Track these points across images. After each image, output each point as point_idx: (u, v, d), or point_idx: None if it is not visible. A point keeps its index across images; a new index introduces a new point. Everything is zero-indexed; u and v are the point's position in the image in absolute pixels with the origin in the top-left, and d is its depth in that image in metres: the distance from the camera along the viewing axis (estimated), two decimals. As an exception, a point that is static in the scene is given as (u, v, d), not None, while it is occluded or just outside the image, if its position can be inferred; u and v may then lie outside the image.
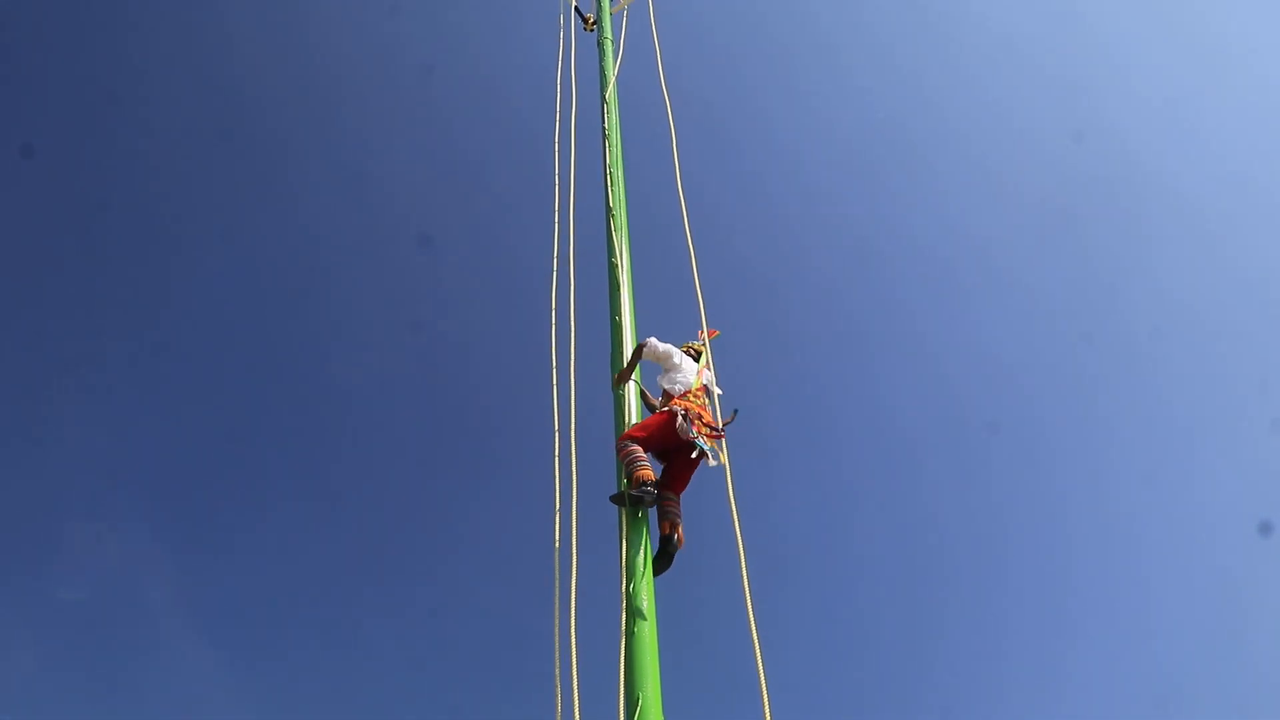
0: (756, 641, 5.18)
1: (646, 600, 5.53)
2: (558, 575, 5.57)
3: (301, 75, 22.45)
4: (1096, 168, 22.61)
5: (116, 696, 16.73)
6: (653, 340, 6.52)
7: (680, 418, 5.86)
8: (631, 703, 5.04)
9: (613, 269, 7.27)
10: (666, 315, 7.60)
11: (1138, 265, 22.42)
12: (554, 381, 6.60)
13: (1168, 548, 19.81)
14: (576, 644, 5.26)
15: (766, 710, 4.88)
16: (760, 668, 5.08)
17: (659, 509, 5.87)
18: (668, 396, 6.27)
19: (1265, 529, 18.02)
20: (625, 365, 6.54)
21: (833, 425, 21.55)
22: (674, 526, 5.86)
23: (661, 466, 6.08)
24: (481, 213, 22.08)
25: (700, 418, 5.94)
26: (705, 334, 6.77)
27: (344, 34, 22.62)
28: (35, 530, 18.02)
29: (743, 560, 5.50)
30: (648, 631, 5.40)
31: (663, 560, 5.75)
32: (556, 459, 6.14)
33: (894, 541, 19.97)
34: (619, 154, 8.18)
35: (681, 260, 7.36)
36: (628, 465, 5.78)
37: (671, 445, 5.97)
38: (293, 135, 22.25)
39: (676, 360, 6.42)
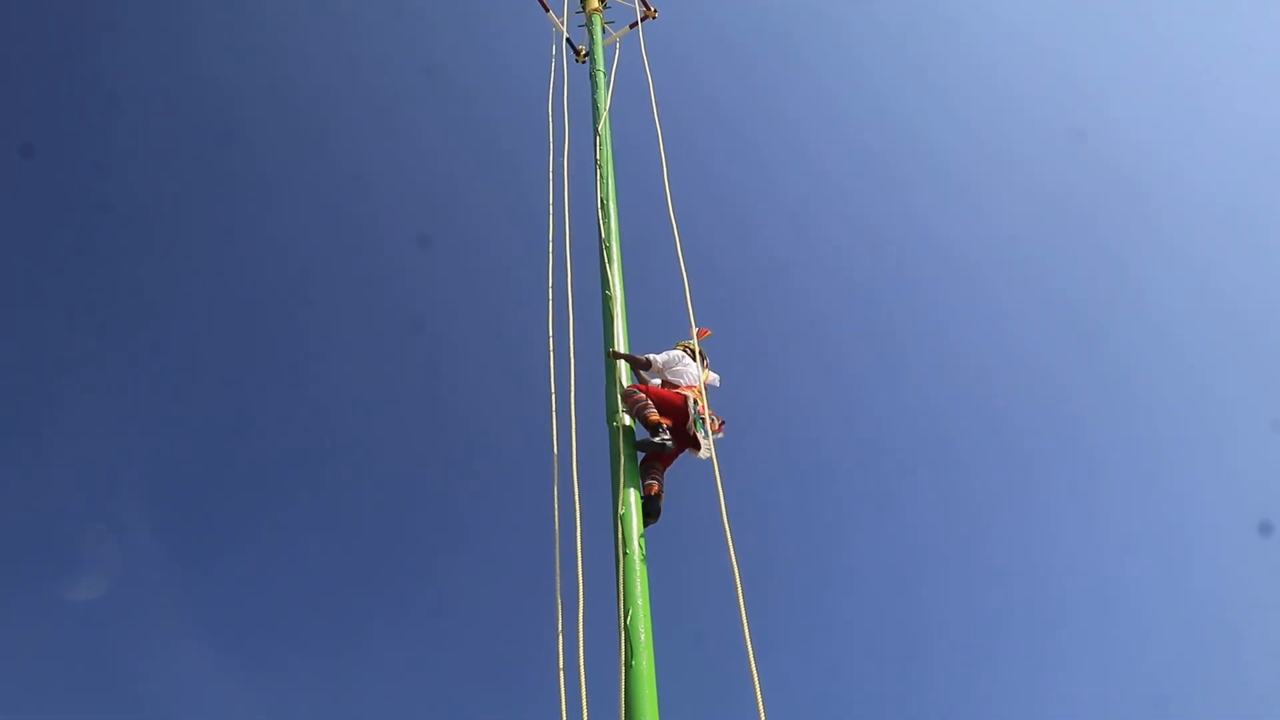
0: (751, 656, 5.34)
1: (644, 633, 5.63)
2: (560, 612, 5.70)
3: (301, 101, 22.64)
4: (1098, 166, 22.75)
5: (120, 697, 17.02)
6: (653, 357, 7.05)
7: (692, 405, 6.53)
8: None
9: (606, 301, 7.37)
10: (661, 344, 7.76)
11: (1138, 265, 22.54)
12: (553, 410, 6.70)
13: (1168, 548, 19.96)
14: (585, 680, 5.38)
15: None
16: (756, 684, 5.23)
17: (644, 464, 6.46)
18: (674, 386, 6.84)
19: (1265, 529, 18.15)
20: (630, 358, 7.03)
21: (829, 429, 21.71)
22: (658, 488, 6.42)
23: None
24: (478, 247, 22.23)
25: (697, 407, 6.58)
26: (696, 332, 7.22)
27: (341, 65, 22.75)
28: (42, 533, 18.25)
29: (737, 578, 5.66)
30: (646, 664, 5.49)
31: (650, 516, 6.28)
32: (556, 491, 6.25)
33: (896, 550, 20.17)
34: (611, 185, 8.26)
35: (675, 286, 7.55)
36: (637, 411, 6.41)
37: (676, 423, 6.53)
38: (292, 141, 22.42)
39: (680, 362, 7.03)
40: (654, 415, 6.37)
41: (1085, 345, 22.25)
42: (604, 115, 8.75)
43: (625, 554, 6.00)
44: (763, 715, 5.09)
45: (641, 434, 6.62)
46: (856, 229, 23.18)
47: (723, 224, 21.70)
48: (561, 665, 5.51)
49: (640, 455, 6.47)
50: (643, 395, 6.53)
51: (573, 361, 6.92)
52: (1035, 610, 19.06)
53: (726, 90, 23.49)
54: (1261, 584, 18.12)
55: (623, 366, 7.10)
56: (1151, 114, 23.30)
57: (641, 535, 6.17)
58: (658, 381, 7.05)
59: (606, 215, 8.01)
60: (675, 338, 7.51)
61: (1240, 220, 22.03)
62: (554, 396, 6.81)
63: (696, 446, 6.56)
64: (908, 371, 22.24)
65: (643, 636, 5.62)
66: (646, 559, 6.07)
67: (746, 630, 5.50)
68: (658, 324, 8.05)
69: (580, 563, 5.89)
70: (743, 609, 5.55)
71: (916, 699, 17.84)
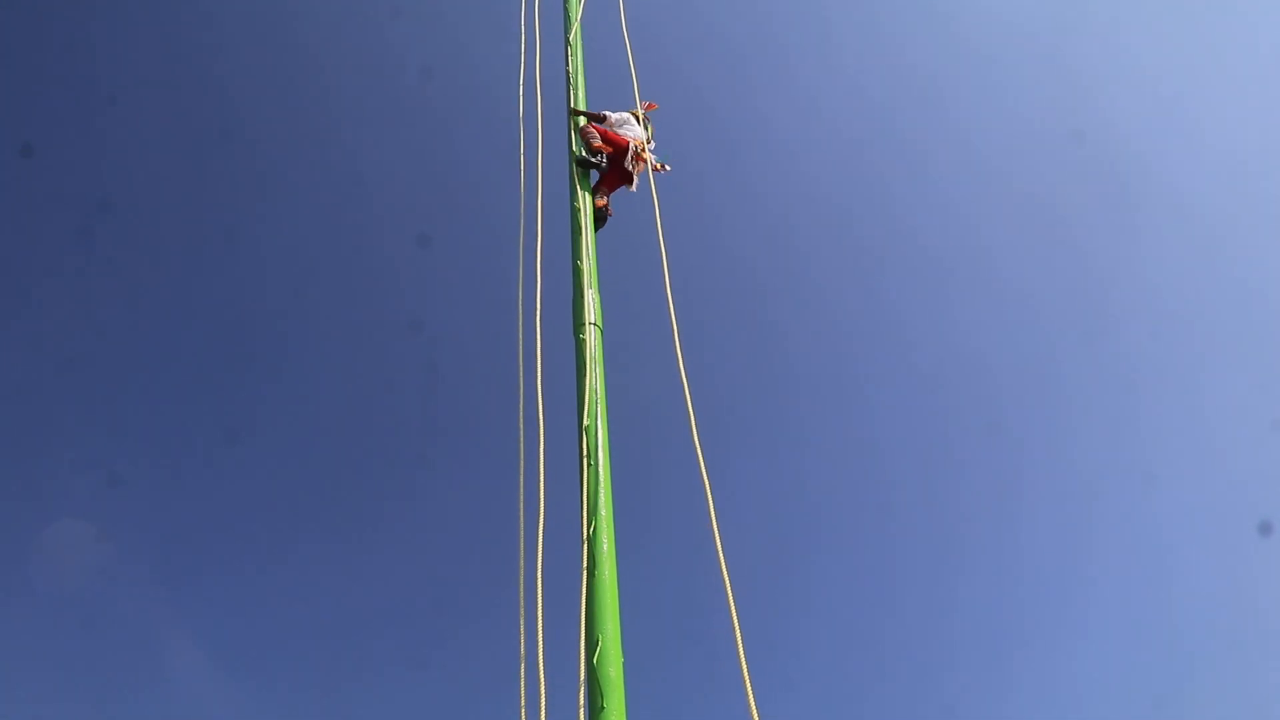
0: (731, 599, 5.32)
1: (607, 544, 5.71)
2: (522, 523, 5.76)
3: (280, 52, 22.76)
4: (1096, 166, 23.01)
5: (106, 693, 17.54)
6: (609, 114, 8.49)
7: (632, 151, 8.14)
8: (592, 644, 5.20)
9: (575, 213, 7.45)
10: (630, 261, 7.81)
11: (1137, 265, 22.80)
12: (519, 326, 6.75)
13: (1167, 548, 20.13)
14: (542, 588, 5.44)
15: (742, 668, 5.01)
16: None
17: (595, 185, 7.99)
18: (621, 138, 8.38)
19: (1265, 529, 18.33)
20: (587, 113, 8.44)
21: (823, 424, 21.75)
22: (605, 204, 7.97)
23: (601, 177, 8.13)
24: (442, 164, 22.44)
25: (640, 155, 8.22)
26: (641, 104, 8.70)
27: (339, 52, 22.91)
28: (20, 527, 18.62)
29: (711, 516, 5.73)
30: (608, 574, 5.58)
31: (598, 223, 7.61)
32: (521, 408, 6.33)
33: (881, 550, 20.22)
34: (582, 98, 8.37)
35: (645, 205, 7.70)
36: (586, 140, 8.04)
37: (615, 156, 8.11)
38: (284, 129, 22.57)
39: (628, 123, 8.45)
40: (596, 144, 8.00)
41: (1083, 343, 22.49)
42: (575, 25, 8.79)
43: (589, 465, 6.06)
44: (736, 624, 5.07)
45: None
46: (848, 181, 23.39)
47: (696, 137, 21.81)
48: (521, 572, 5.56)
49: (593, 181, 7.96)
50: (594, 131, 8.13)
51: (539, 273, 6.93)
52: (1031, 611, 19.23)
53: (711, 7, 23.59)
54: (1261, 584, 18.31)
55: (589, 280, 7.12)
56: (1150, 110, 23.65)
57: (607, 447, 6.23)
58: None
59: (578, 128, 8.12)
60: (642, 259, 7.75)
61: (1241, 217, 22.36)
62: (520, 314, 6.80)
63: (631, 182, 8.15)
64: (899, 364, 22.35)
65: (605, 547, 5.70)
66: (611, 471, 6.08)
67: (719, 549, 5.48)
68: (625, 240, 8.18)
69: (542, 477, 5.95)
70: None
71: (910, 701, 17.85)
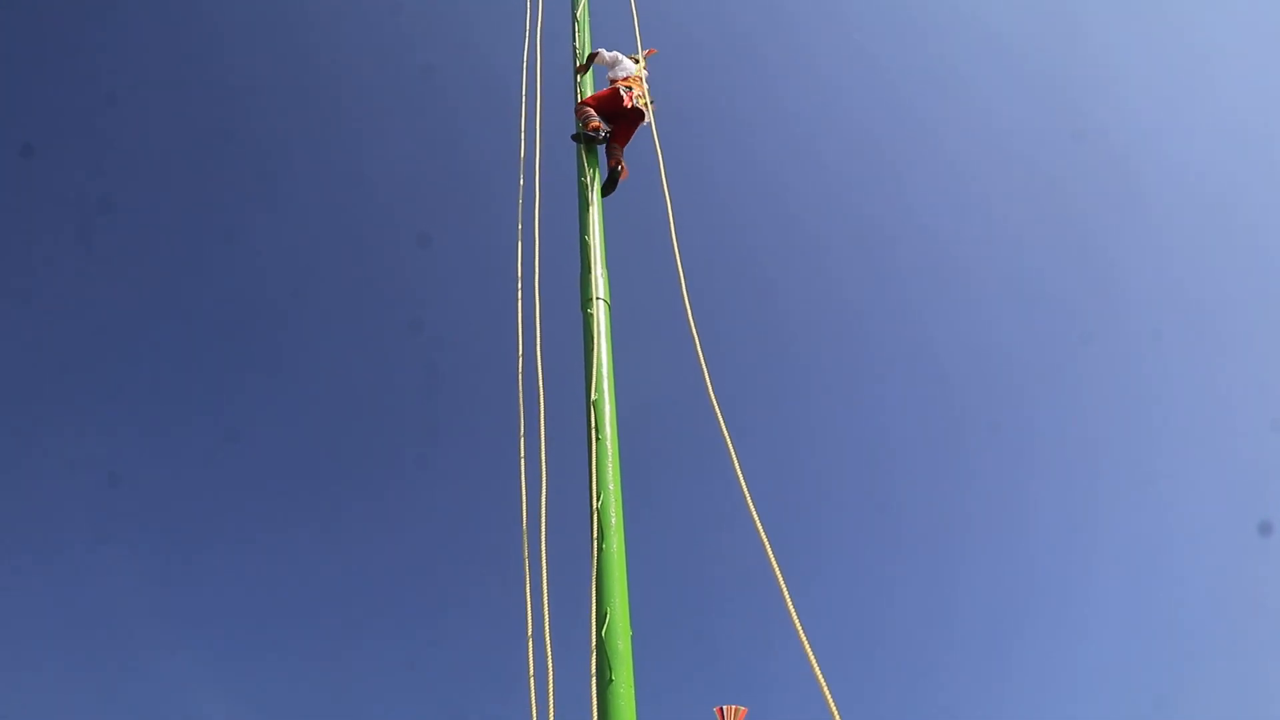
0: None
1: (615, 517, 5.75)
2: (524, 500, 5.80)
3: (279, 49, 22.78)
4: (1093, 161, 23.04)
5: (105, 693, 17.32)
6: (603, 50, 8.63)
7: (620, 90, 8.15)
8: (600, 616, 5.21)
9: (582, 188, 7.47)
10: (637, 234, 7.78)
11: (1136, 265, 22.81)
12: (519, 301, 6.80)
13: (1167, 548, 20.11)
14: (547, 564, 5.50)
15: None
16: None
17: (608, 149, 7.99)
18: (613, 82, 8.41)
19: (1265, 529, 18.36)
20: (582, 64, 8.61)
21: (821, 422, 21.74)
22: (618, 162, 7.95)
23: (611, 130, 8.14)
24: (446, 144, 22.37)
25: (631, 90, 8.22)
26: (642, 51, 8.81)
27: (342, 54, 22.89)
28: (20, 527, 18.52)
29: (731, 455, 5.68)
30: (616, 547, 5.61)
31: (610, 186, 7.76)
32: (520, 377, 6.39)
33: (886, 540, 20.23)
34: (590, 76, 8.44)
35: (652, 182, 7.70)
36: (583, 120, 7.94)
37: (615, 110, 8.10)
38: (283, 126, 22.58)
39: (622, 61, 8.53)
40: (594, 124, 7.87)
41: (1082, 343, 22.49)
42: (583, 1, 8.84)
43: (598, 439, 6.09)
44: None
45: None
46: (850, 152, 23.27)
47: (703, 120, 21.72)
48: (525, 544, 5.60)
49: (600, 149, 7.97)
50: (589, 110, 8.02)
51: (537, 248, 7.00)
52: (1030, 610, 19.19)
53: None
54: (1261, 584, 18.33)
55: (597, 254, 7.15)
56: (1148, 107, 23.68)
57: (614, 421, 6.24)
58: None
59: (575, 109, 8.15)
60: (650, 232, 7.69)
61: (1242, 219, 22.42)
62: (520, 289, 6.87)
63: (641, 117, 8.14)
64: (898, 362, 22.34)
65: (613, 520, 5.74)
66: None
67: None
68: (633, 214, 8.20)
69: (544, 447, 6.02)
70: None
71: (909, 699, 17.84)
